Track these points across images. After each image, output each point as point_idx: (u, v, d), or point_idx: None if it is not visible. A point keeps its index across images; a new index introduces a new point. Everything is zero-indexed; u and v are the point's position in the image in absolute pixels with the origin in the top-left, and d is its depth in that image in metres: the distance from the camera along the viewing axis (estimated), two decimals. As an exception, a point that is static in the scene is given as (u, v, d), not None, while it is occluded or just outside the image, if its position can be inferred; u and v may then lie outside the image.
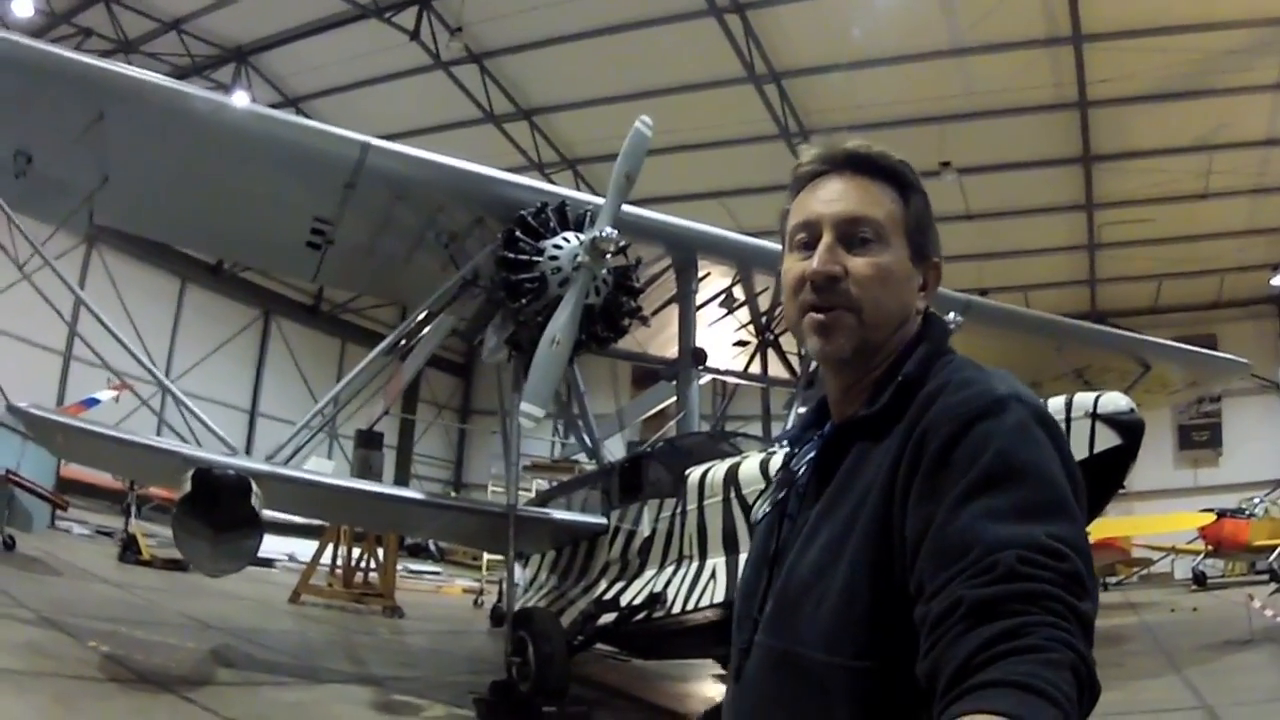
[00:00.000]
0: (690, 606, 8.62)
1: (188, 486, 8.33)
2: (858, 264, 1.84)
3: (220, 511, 8.47)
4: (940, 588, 1.47)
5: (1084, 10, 19.46)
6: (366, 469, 17.49)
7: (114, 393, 18.43)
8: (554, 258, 9.45)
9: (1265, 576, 22.13)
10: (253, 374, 31.29)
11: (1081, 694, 1.32)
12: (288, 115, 10.33)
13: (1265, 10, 18.96)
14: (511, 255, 9.54)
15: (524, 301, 9.48)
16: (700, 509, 9.00)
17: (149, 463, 10.27)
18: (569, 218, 9.87)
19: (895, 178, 1.93)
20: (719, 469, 9.00)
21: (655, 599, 8.99)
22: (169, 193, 11.07)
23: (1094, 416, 5.34)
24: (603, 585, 10.18)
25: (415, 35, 21.76)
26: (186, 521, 8.59)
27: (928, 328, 1.94)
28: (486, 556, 21.09)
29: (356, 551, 17.23)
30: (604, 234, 9.12)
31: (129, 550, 16.63)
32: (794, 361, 13.69)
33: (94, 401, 18.98)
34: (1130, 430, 5.30)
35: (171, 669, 8.74)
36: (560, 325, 8.93)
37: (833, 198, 1.89)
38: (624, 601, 9.46)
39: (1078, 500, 1.59)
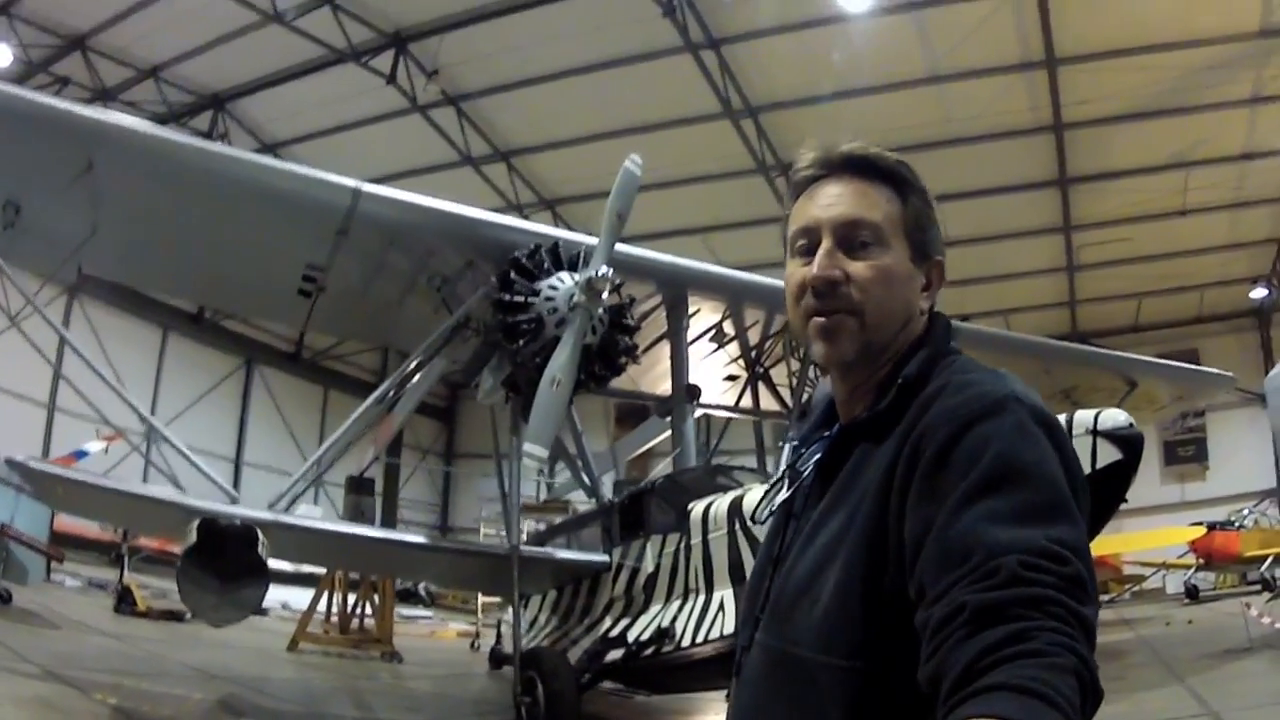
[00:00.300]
0: (700, 640, 8.64)
1: (193, 537, 8.31)
2: (858, 267, 1.85)
3: (227, 561, 8.45)
4: (942, 593, 1.46)
5: (1057, 33, 19.60)
6: (359, 514, 17.35)
7: (103, 444, 18.34)
8: (550, 298, 9.50)
9: (1258, 587, 22.27)
10: (236, 422, 31.04)
11: (1084, 698, 1.32)
12: (279, 162, 10.27)
13: (1239, 25, 19.13)
14: (507, 297, 9.57)
15: (521, 343, 9.49)
16: (705, 542, 9.03)
17: (151, 514, 10.25)
18: (563, 258, 9.90)
19: (893, 178, 1.93)
20: (722, 502, 9.03)
21: (664, 634, 9.00)
22: (159, 242, 11.06)
23: (1095, 433, 5.44)
24: (607, 623, 10.17)
25: (392, 79, 21.73)
26: (192, 572, 8.56)
27: (932, 328, 1.94)
28: (481, 599, 20.94)
29: (352, 598, 17.10)
30: (600, 273, 9.15)
31: (124, 602, 16.48)
32: (785, 394, 13.76)
33: (83, 453, 18.86)
34: (1131, 445, 5.37)
35: (182, 721, 8.69)
36: (560, 365, 8.97)
37: (830, 202, 1.90)
38: (631, 638, 9.46)
39: (1079, 500, 1.59)
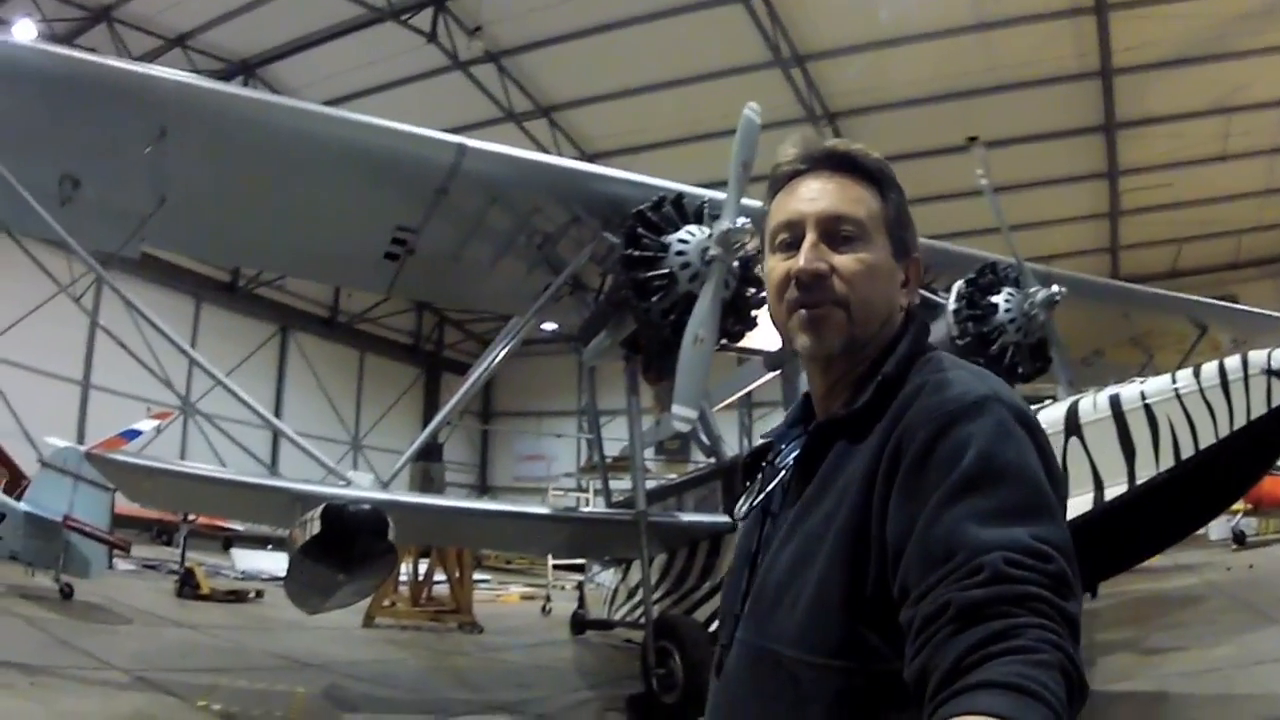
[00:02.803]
0: None
1: (317, 527, 7.83)
2: (843, 260, 1.87)
3: (352, 549, 8.01)
4: (927, 591, 1.47)
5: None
6: (428, 481, 16.97)
7: (155, 422, 17.82)
8: (681, 253, 8.99)
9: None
10: (273, 390, 30.45)
11: (1071, 694, 1.32)
12: (376, 119, 9.72)
13: (1281, -27, 18.99)
14: (636, 253, 9.07)
15: (654, 300, 9.00)
16: None
17: (254, 502, 9.77)
18: (688, 211, 9.43)
19: (873, 175, 1.95)
20: None
21: None
22: (231, 210, 10.36)
23: (1270, 372, 5.70)
24: (738, 586, 9.78)
25: (432, 37, 21.36)
26: (310, 565, 8.10)
27: (909, 325, 1.96)
28: (552, 562, 20.68)
29: (423, 565, 16.64)
30: (738, 225, 8.70)
31: (187, 585, 16.07)
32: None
33: (134, 433, 18.24)
34: None
35: (299, 722, 8.29)
36: (701, 321, 8.48)
37: (814, 196, 1.92)
38: None
39: (1059, 497, 1.61)
